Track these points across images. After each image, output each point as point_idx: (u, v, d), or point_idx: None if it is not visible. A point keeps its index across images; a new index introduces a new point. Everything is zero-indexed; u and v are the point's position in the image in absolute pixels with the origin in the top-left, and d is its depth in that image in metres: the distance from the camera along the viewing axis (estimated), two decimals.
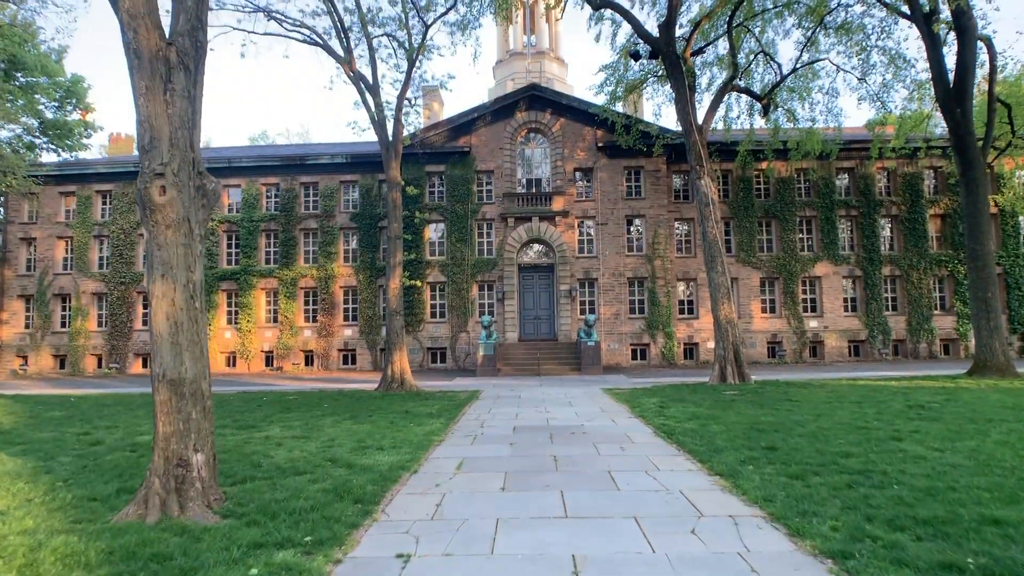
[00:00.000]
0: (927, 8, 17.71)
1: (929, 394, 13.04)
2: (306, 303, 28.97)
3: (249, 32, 19.09)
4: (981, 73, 20.46)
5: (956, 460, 6.75)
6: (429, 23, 18.99)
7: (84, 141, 35.96)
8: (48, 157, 34.02)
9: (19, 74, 30.52)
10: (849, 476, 6.14)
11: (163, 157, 5.73)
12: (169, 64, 5.87)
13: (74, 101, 34.64)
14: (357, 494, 5.82)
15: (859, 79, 20.98)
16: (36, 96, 32.04)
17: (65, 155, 34.97)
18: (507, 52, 37.00)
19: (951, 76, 17.83)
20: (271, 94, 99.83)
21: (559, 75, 36.40)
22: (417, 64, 19.12)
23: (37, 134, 33.80)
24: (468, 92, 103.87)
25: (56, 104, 34.05)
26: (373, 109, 18.57)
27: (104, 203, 30.13)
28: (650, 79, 22.83)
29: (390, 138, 18.78)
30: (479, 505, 5.59)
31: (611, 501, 5.64)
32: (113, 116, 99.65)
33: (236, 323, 28.74)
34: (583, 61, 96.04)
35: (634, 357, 27.28)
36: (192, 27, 6.09)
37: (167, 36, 5.98)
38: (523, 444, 8.65)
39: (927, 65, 18.55)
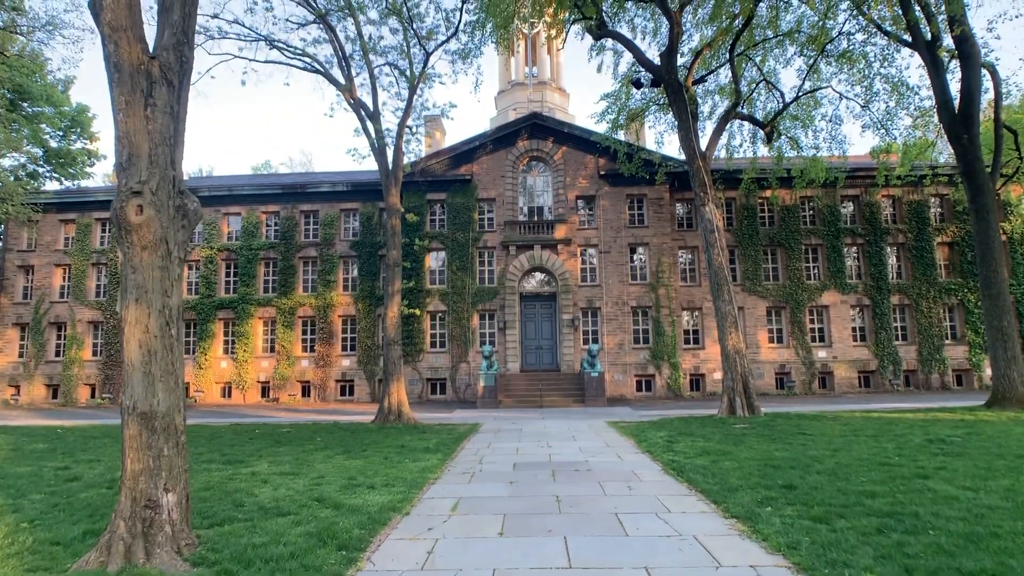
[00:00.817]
0: (929, 36, 17.67)
1: (949, 427, 12.47)
2: (304, 332, 28.54)
3: (250, 60, 19.11)
4: (986, 100, 20.37)
5: (992, 501, 6.23)
6: (430, 51, 19.06)
7: (87, 170, 36.31)
8: (51, 185, 34.19)
9: (25, 104, 30.85)
10: (878, 519, 5.64)
11: (141, 175, 5.44)
12: (151, 79, 5.62)
13: (78, 130, 35.00)
14: (342, 539, 5.37)
15: (862, 106, 20.87)
16: (41, 125, 32.35)
17: (68, 183, 35.17)
18: (509, 82, 37.34)
19: (956, 103, 17.69)
20: (273, 122, 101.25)
21: (560, 104, 36.64)
22: (418, 92, 19.13)
23: (41, 163, 34.05)
24: (470, 122, 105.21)
25: (60, 133, 34.38)
26: (373, 136, 18.49)
27: (104, 231, 29.95)
28: (652, 107, 22.85)
29: (390, 165, 18.65)
30: (474, 553, 5.09)
31: (619, 548, 5.14)
32: None
33: (232, 353, 28.26)
34: (584, 91, 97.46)
35: (639, 388, 26.66)
36: (177, 41, 5.87)
37: (151, 50, 5.75)
38: (524, 482, 8.14)
39: (930, 92, 18.45)
